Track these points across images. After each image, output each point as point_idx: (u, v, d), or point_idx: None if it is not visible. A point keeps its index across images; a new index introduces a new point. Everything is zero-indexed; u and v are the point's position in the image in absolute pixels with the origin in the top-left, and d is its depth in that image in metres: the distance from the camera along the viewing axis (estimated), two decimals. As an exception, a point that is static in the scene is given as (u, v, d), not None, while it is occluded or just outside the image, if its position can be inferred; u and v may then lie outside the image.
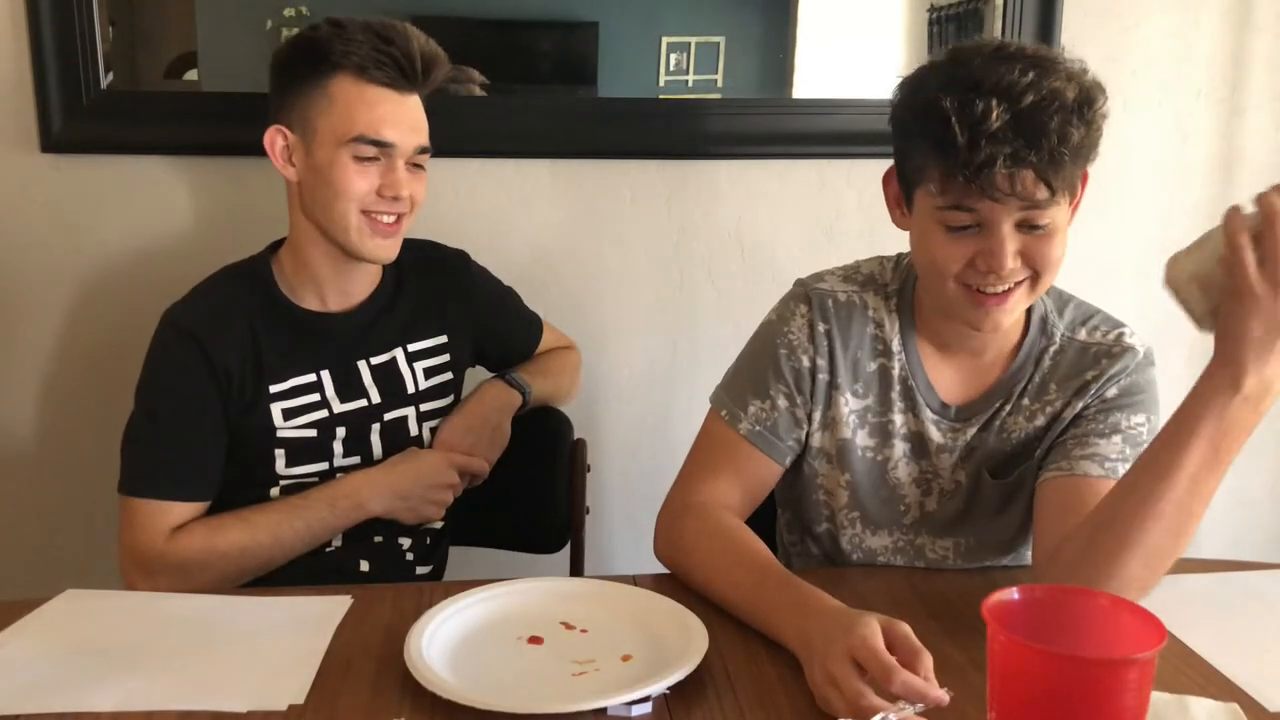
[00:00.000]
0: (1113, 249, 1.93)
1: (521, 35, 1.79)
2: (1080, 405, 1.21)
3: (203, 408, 1.32)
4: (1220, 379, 1.00)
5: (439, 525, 1.49)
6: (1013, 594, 0.83)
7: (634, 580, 1.18)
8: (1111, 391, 1.20)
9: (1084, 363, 1.22)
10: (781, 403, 1.26)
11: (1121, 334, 1.23)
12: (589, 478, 1.59)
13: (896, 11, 1.86)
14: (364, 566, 1.40)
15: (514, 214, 1.81)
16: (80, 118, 1.66)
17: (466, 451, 1.42)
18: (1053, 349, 1.24)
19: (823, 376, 1.26)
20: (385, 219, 1.34)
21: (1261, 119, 1.91)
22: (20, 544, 1.80)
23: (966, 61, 1.07)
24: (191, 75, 1.72)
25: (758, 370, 1.27)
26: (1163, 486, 1.02)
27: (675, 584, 1.16)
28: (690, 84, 1.81)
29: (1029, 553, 1.27)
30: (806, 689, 0.96)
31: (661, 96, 1.80)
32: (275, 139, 1.34)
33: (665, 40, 1.79)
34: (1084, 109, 1.06)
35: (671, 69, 1.80)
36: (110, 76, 1.67)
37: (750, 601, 1.09)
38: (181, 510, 1.30)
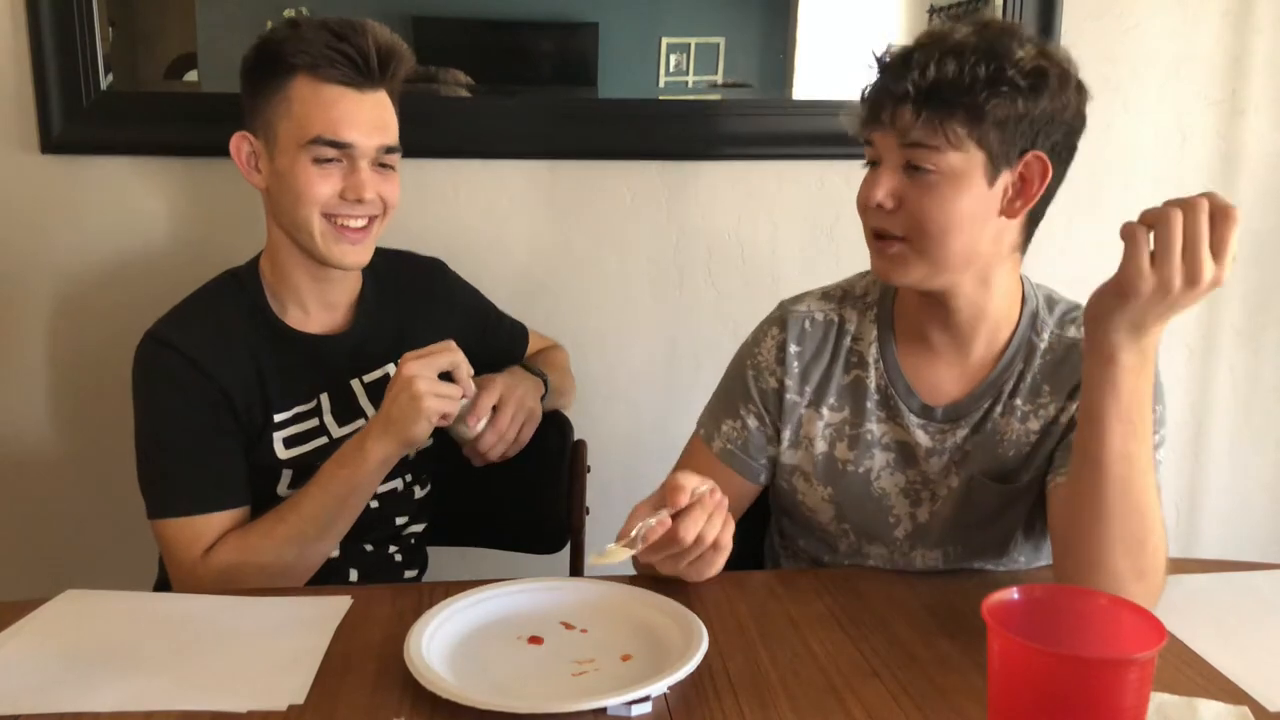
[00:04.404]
0: (1113, 250, 1.93)
1: (521, 36, 1.79)
2: (1075, 407, 1.18)
3: (209, 419, 1.29)
4: (1099, 364, 1.01)
5: (420, 528, 1.48)
6: (1013, 594, 0.83)
7: (634, 580, 1.18)
8: None
9: (1075, 360, 1.19)
10: (751, 422, 1.29)
11: None
12: (589, 478, 1.59)
13: (896, 11, 1.86)
14: (353, 576, 1.38)
15: (514, 215, 1.82)
16: (80, 118, 1.66)
17: (507, 418, 1.35)
18: (1042, 346, 1.22)
19: (791, 396, 1.27)
20: (352, 223, 1.30)
21: (1261, 120, 1.91)
22: (21, 544, 1.80)
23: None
24: (191, 76, 1.72)
25: (730, 391, 1.32)
26: (1102, 476, 1.02)
27: (675, 584, 1.16)
28: (690, 84, 1.81)
29: (1022, 557, 1.27)
30: (806, 689, 0.96)
31: (661, 97, 1.80)
32: (241, 145, 1.32)
33: (665, 41, 1.79)
34: (967, 54, 1.07)
35: (671, 69, 1.80)
36: (110, 77, 1.67)
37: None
38: (217, 520, 1.26)
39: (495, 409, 1.35)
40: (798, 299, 1.32)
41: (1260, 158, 1.93)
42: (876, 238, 1.16)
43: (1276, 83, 1.90)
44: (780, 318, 1.30)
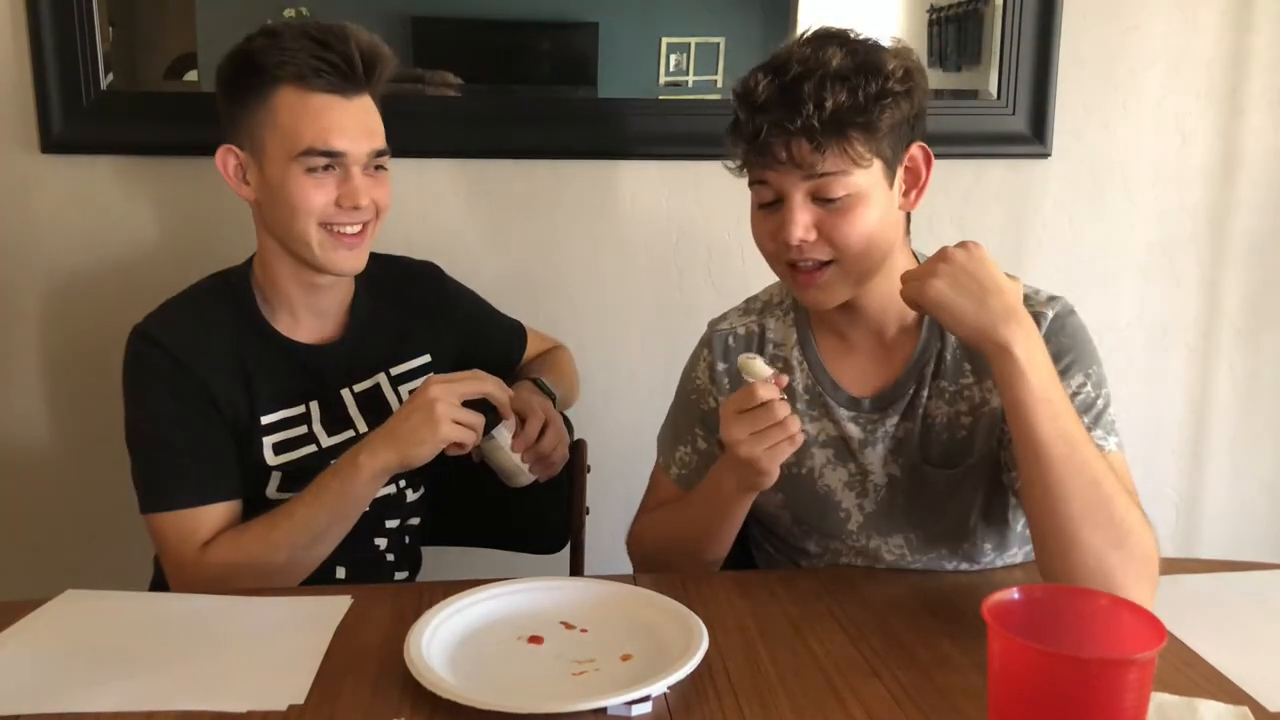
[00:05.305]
0: (1113, 249, 1.93)
1: (521, 35, 1.79)
2: None
3: (197, 412, 1.28)
4: (998, 362, 1.05)
5: (415, 521, 1.47)
6: (1013, 594, 0.83)
7: (634, 580, 1.18)
8: None
9: None
10: (701, 445, 1.33)
11: (1026, 297, 1.15)
12: (589, 478, 1.59)
13: (896, 12, 1.86)
14: (340, 574, 1.37)
15: (514, 215, 1.82)
16: (80, 118, 1.66)
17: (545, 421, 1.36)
18: None
19: None
20: (348, 229, 1.30)
21: (1261, 119, 1.91)
22: (21, 544, 1.80)
23: (783, 47, 1.16)
24: (191, 76, 1.72)
25: (678, 418, 1.37)
26: (1045, 460, 1.03)
27: (675, 584, 1.16)
28: (690, 84, 1.81)
29: (987, 544, 1.27)
30: (806, 689, 0.97)
31: (661, 97, 1.80)
32: (227, 159, 1.31)
33: (665, 41, 1.79)
34: (853, 77, 1.10)
35: (671, 69, 1.80)
36: (110, 77, 1.67)
37: (695, 504, 1.25)
38: (211, 514, 1.26)
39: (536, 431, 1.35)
40: (721, 317, 1.37)
41: (1260, 158, 1.93)
42: (797, 270, 1.18)
43: (1276, 83, 1.90)
44: (708, 339, 1.35)
